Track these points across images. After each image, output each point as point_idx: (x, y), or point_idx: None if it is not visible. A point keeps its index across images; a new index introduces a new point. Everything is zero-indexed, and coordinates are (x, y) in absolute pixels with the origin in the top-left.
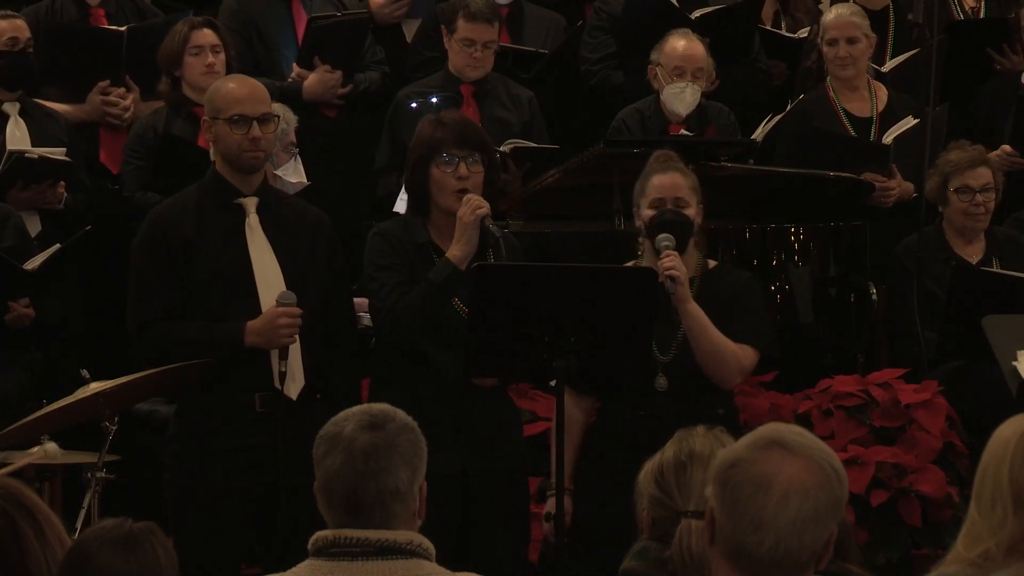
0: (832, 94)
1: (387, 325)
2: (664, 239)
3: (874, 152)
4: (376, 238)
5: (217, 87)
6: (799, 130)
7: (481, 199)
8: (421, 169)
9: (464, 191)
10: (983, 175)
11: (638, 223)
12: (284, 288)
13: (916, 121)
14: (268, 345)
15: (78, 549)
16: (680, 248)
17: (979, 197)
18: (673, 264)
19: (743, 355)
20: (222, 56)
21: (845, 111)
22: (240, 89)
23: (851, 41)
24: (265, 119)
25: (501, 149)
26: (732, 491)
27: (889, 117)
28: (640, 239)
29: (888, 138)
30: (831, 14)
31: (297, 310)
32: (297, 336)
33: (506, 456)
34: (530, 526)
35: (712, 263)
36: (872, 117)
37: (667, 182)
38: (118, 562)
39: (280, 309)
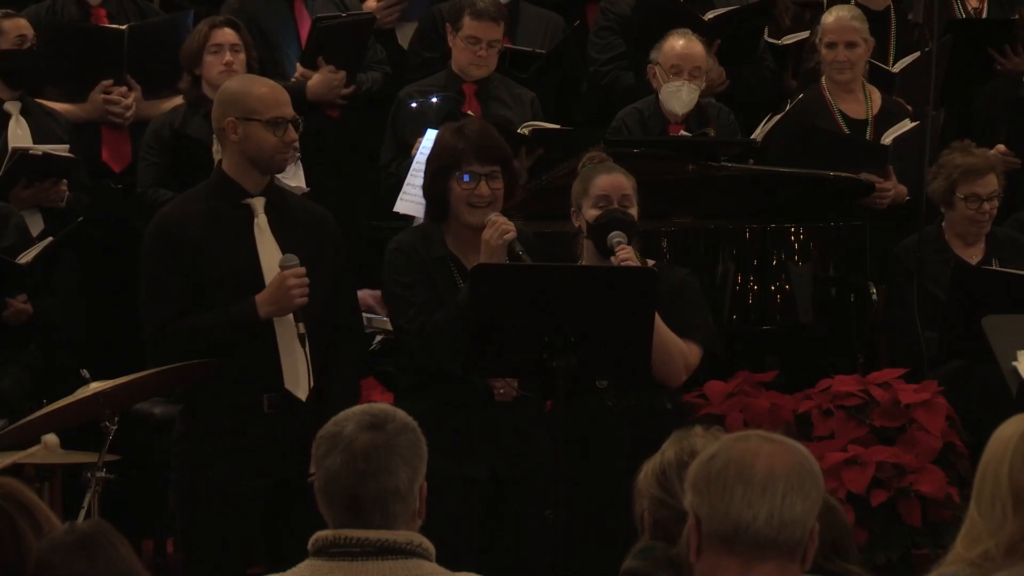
0: (828, 95)
1: (416, 346)
2: (616, 235)
3: (872, 152)
4: (396, 254)
5: (246, 88)
6: (794, 128)
7: (507, 222)
8: (441, 180)
9: (476, 204)
10: (992, 182)
11: (577, 223)
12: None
13: (914, 124)
14: (282, 311)
15: (40, 565)
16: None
17: (986, 205)
18: (629, 257)
19: (689, 352)
20: (242, 56)
21: (841, 112)
22: (276, 91)
23: (850, 45)
24: (295, 121)
25: (521, 131)
26: (716, 479)
27: (883, 120)
28: (581, 240)
29: (887, 139)
30: (831, 16)
31: (302, 270)
32: (307, 296)
33: (535, 458)
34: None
35: (650, 262)
36: (867, 119)
37: (612, 182)
38: (85, 567)
39: (286, 272)
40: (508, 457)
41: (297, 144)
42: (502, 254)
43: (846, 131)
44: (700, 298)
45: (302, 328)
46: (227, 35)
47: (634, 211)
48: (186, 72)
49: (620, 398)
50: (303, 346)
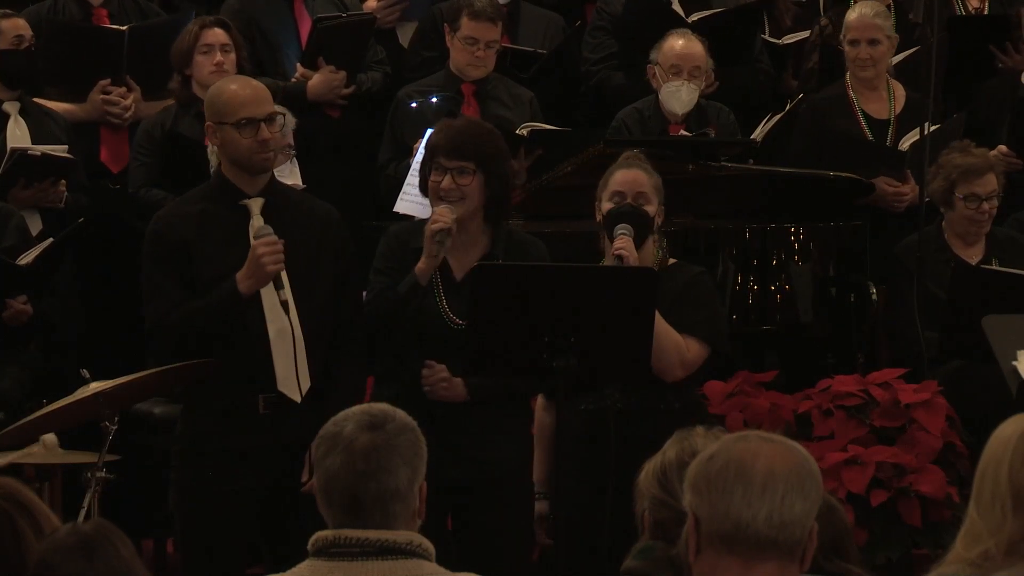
0: (851, 93)
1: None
2: (621, 228)
3: (890, 157)
4: (383, 239)
5: (219, 91)
6: (815, 129)
7: (444, 213)
8: (425, 172)
9: (443, 197)
10: (990, 182)
11: (599, 218)
12: (287, 288)
13: (934, 128)
14: (259, 282)
15: (40, 565)
16: (637, 243)
17: (985, 205)
18: (624, 245)
19: (686, 347)
20: (232, 56)
21: (863, 112)
22: (243, 91)
23: (873, 43)
24: (271, 119)
25: (519, 132)
26: (716, 478)
27: (907, 119)
28: (602, 235)
29: (905, 144)
30: (854, 13)
31: (274, 238)
32: (283, 261)
33: (504, 461)
34: (532, 530)
35: (672, 261)
36: (889, 119)
37: (629, 177)
38: (84, 568)
39: (257, 242)
40: (472, 459)
41: (291, 142)
42: (438, 245)
43: (867, 131)
44: (709, 296)
45: (283, 295)
46: (217, 35)
47: (652, 208)
48: (176, 72)
49: (617, 397)
50: (287, 314)
